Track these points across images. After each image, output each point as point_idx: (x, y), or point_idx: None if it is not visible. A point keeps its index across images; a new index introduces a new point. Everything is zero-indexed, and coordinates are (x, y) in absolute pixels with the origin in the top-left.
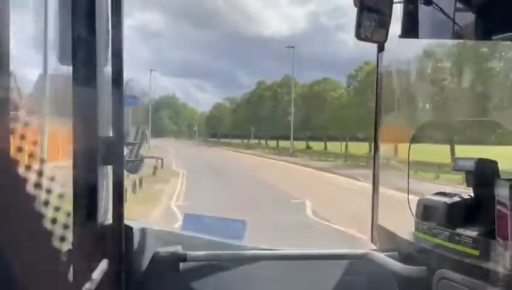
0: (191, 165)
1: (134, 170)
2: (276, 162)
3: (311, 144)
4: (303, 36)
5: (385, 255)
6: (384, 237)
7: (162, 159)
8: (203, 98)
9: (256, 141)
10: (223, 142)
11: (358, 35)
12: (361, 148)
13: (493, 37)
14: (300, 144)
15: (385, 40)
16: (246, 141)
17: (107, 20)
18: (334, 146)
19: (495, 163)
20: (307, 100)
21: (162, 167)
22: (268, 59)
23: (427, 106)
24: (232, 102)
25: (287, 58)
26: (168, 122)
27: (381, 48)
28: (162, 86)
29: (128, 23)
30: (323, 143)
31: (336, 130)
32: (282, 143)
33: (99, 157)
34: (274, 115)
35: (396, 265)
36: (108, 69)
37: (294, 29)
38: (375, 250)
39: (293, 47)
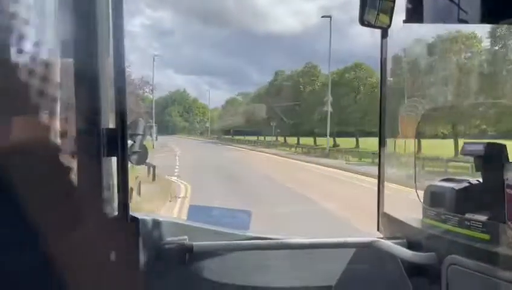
0: (200, 173)
1: (138, 161)
2: (315, 167)
3: (338, 140)
4: (315, 31)
5: (392, 242)
6: (391, 225)
7: (153, 167)
8: (214, 96)
9: (274, 138)
10: (238, 140)
11: (362, 21)
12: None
13: (499, 21)
14: (322, 140)
15: (389, 26)
16: (262, 138)
17: (108, 10)
18: (365, 143)
19: (504, 147)
20: (337, 89)
21: (153, 180)
22: (279, 55)
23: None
24: (245, 96)
25: (298, 53)
26: (179, 118)
27: (384, 34)
28: (173, 82)
29: (141, 21)
30: (352, 139)
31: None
32: (304, 140)
33: (103, 149)
34: (296, 109)
35: (404, 252)
36: (109, 60)
37: (306, 24)
38: (381, 238)
39: (329, 16)
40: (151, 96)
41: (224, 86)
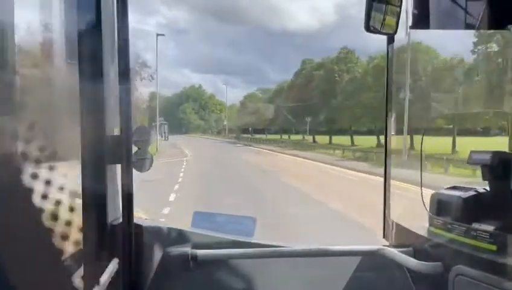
0: (219, 197)
1: (142, 168)
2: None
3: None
4: (331, 28)
5: (398, 251)
6: (397, 233)
7: None
8: (231, 94)
9: (299, 136)
10: (258, 139)
11: (368, 28)
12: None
13: (508, 27)
14: (360, 139)
15: (395, 32)
16: (285, 137)
17: (113, 17)
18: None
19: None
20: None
21: None
22: (295, 52)
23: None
24: (265, 92)
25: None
26: (193, 116)
27: (391, 40)
28: (189, 81)
29: (157, 20)
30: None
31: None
32: (337, 139)
33: (108, 156)
34: (331, 101)
35: (411, 261)
36: (115, 67)
37: (322, 21)
38: (387, 246)
39: None
40: (154, 88)
41: (241, 84)
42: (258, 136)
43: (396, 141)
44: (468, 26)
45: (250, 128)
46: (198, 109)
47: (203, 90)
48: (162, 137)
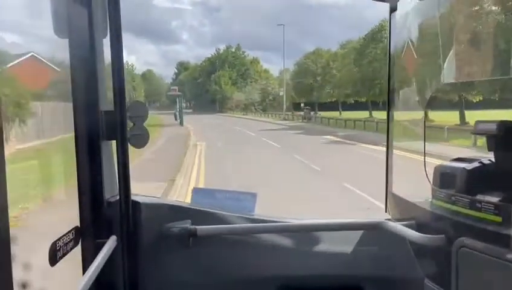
0: None
1: (138, 143)
2: None
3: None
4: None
5: (401, 224)
6: (399, 206)
7: None
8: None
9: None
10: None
11: None
12: None
13: None
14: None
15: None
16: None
17: None
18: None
19: None
20: None
21: None
22: (332, 25)
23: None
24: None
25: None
26: (230, 88)
27: (393, 8)
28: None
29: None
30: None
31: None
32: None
33: (102, 132)
34: None
35: (413, 234)
36: (106, 41)
37: None
38: (389, 219)
39: None
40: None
41: (277, 60)
42: (323, 113)
43: None
44: None
45: (304, 106)
46: (236, 77)
47: (243, 53)
48: (176, 120)
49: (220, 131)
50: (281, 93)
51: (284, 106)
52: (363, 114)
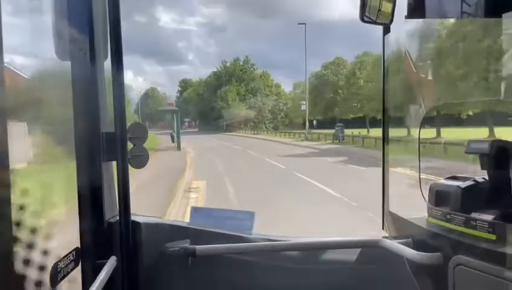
0: None
1: (138, 164)
2: None
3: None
4: None
5: (398, 242)
6: (396, 224)
7: None
8: None
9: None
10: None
11: (362, 18)
12: None
13: (502, 15)
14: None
15: (391, 22)
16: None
17: (105, 13)
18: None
19: (511, 144)
20: None
21: None
22: (336, 44)
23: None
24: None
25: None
26: (239, 105)
27: (386, 30)
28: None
29: (196, 20)
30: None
31: None
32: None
33: (103, 153)
34: None
35: (410, 252)
36: (108, 63)
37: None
38: (387, 237)
39: None
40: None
41: (283, 79)
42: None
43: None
44: (465, 14)
45: (337, 124)
46: (245, 92)
47: (252, 66)
48: (173, 142)
49: (229, 158)
50: (303, 107)
51: (307, 123)
52: (397, 131)
